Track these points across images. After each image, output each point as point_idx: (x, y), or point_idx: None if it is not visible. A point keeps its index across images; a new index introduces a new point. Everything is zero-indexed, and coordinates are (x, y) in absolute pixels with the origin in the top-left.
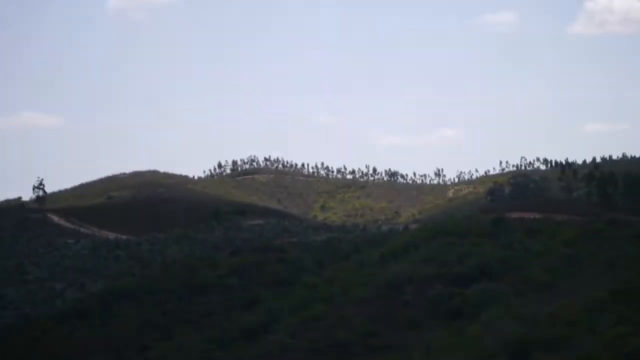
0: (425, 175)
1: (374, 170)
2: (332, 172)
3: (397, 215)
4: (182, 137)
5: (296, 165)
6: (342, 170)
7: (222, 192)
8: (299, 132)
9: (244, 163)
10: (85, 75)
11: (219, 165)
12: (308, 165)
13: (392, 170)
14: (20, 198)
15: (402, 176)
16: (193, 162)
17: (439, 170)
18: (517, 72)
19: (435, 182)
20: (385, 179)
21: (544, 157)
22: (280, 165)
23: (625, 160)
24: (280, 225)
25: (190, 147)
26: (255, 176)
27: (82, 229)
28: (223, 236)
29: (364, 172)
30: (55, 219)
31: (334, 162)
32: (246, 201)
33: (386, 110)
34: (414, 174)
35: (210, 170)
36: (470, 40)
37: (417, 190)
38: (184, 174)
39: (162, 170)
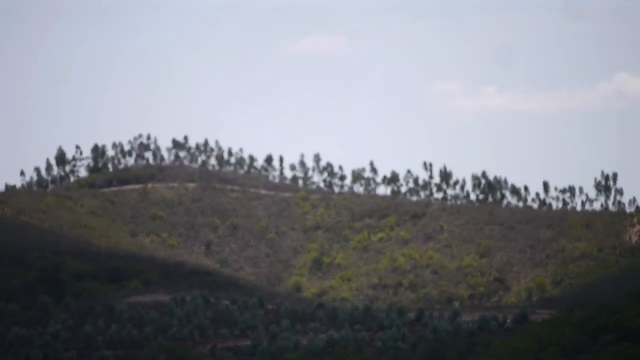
0: (574, 190)
1: (445, 174)
2: (338, 174)
3: (502, 287)
4: None
5: (252, 159)
6: (362, 172)
7: (63, 223)
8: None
9: (121, 155)
10: None
11: (60, 160)
12: (282, 159)
13: (488, 174)
14: None
15: (512, 190)
16: None
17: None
18: None
19: (596, 204)
20: (472, 195)
21: None
22: (212, 159)
23: None
24: (210, 308)
25: None
26: (153, 185)
27: None
28: (67, 334)
29: (415, 179)
30: None
31: (343, 152)
32: (126, 247)
33: None
34: (545, 187)
35: (34, 173)
36: None
37: (550, 224)
38: None
39: None
